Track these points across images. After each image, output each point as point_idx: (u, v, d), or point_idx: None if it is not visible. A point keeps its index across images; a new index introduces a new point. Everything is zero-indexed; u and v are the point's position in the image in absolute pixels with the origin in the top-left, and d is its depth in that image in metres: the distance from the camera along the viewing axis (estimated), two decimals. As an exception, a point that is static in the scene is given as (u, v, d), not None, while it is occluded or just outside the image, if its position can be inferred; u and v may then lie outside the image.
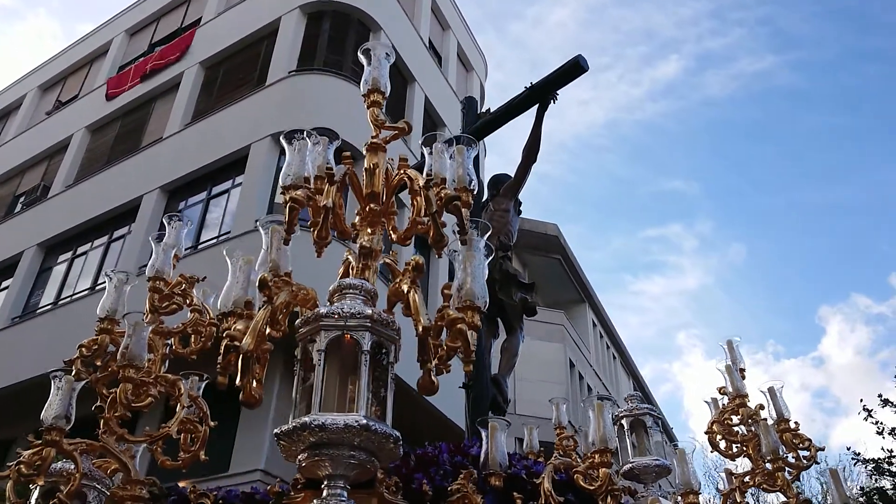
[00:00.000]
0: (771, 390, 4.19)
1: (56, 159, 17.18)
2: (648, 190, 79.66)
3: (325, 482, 1.84)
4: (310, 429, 1.77)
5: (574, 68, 5.63)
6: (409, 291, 2.31)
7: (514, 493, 3.07)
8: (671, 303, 70.95)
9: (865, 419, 16.52)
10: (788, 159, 74.36)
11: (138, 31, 18.49)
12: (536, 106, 5.95)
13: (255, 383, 2.26)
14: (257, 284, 2.37)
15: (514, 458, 3.60)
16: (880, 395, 16.71)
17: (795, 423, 4.11)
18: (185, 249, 12.38)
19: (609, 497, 2.85)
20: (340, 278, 2.42)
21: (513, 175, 6.23)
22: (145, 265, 14.05)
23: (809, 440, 4.12)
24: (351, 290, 2.12)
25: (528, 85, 5.82)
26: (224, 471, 9.08)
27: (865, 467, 17.12)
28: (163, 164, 14.07)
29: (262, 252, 2.66)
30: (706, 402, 4.52)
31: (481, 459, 3.24)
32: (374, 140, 2.72)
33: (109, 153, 15.99)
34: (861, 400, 27.09)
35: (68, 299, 13.83)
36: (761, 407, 4.19)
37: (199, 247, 12.37)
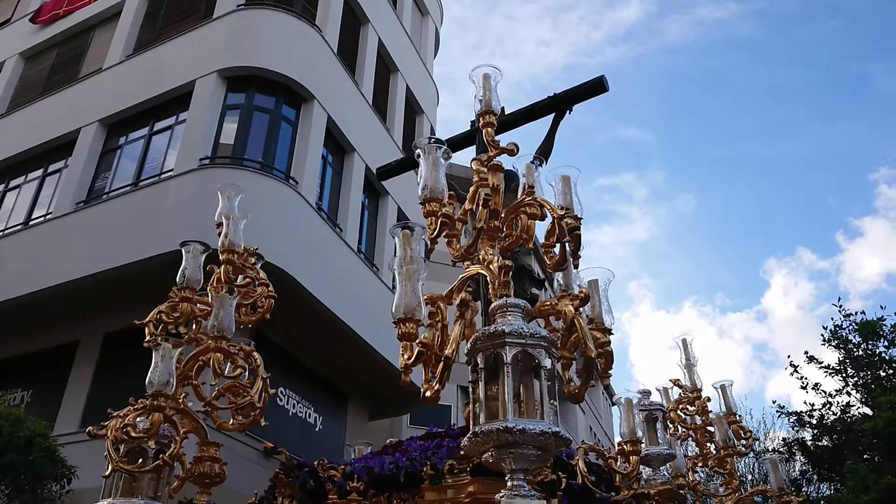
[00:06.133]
0: (722, 387, 5.02)
1: (-14, 87, 16.35)
2: (604, 138, 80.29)
3: (509, 475, 2.16)
4: (511, 432, 2.07)
5: (597, 87, 6.03)
6: (574, 316, 2.66)
7: (560, 473, 3.45)
8: (620, 253, 72.40)
9: (791, 374, 17.32)
10: (742, 111, 75.55)
11: (77, -47, 17.52)
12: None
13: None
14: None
15: None
16: (806, 352, 17.51)
17: (739, 416, 4.95)
18: (126, 186, 12.10)
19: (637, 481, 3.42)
20: (457, 285, 2.77)
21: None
22: (82, 201, 13.58)
23: (750, 432, 5.03)
24: (513, 309, 2.39)
25: (552, 95, 6.16)
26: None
27: (788, 419, 17.99)
28: (102, 97, 13.49)
29: (396, 257, 2.81)
30: (657, 389, 5.14)
31: None
32: (495, 162, 2.96)
33: (45, 83, 15.26)
34: (788, 356, 28.23)
35: (0, 234, 13.33)
36: (708, 399, 4.97)
37: (140, 184, 12.01)
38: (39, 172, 13.92)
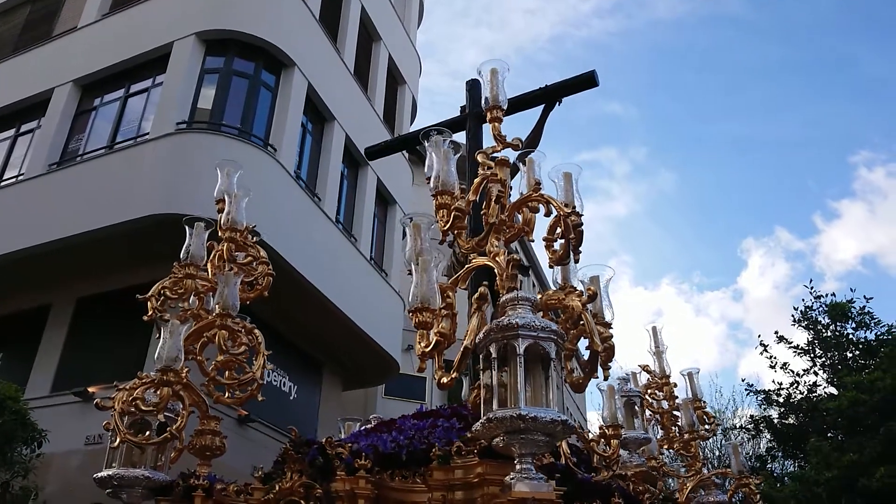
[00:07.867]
0: (689, 374, 5.29)
1: (-44, 42, 15.89)
2: (587, 112, 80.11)
3: (518, 459, 2.28)
4: (523, 419, 2.19)
5: (587, 81, 6.16)
6: (581, 311, 2.76)
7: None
8: (599, 229, 72.71)
9: (761, 354, 17.63)
10: (726, 89, 75.71)
11: None
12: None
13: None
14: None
15: None
16: (776, 332, 17.81)
17: (704, 402, 5.26)
18: (100, 149, 11.87)
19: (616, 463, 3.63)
20: (462, 275, 2.87)
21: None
22: (56, 163, 13.28)
23: (714, 417, 5.35)
24: (524, 302, 2.49)
25: (543, 86, 6.21)
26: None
27: (757, 398, 18.34)
28: (77, 57, 13.16)
29: (408, 247, 2.92)
30: (627, 375, 5.29)
31: None
32: (502, 157, 3.01)
33: (17, 40, 14.85)
34: (759, 336, 28.75)
35: (-31, 194, 13.04)
36: (675, 385, 5.23)
37: (115, 147, 11.80)
38: (11, 132, 13.60)
